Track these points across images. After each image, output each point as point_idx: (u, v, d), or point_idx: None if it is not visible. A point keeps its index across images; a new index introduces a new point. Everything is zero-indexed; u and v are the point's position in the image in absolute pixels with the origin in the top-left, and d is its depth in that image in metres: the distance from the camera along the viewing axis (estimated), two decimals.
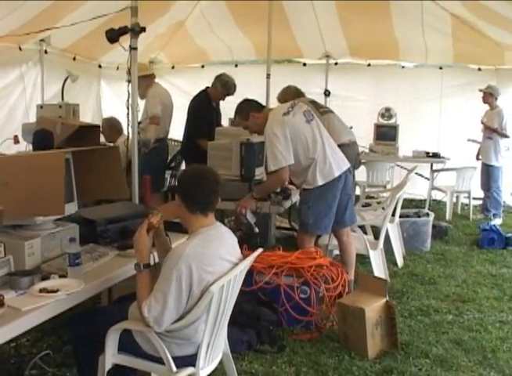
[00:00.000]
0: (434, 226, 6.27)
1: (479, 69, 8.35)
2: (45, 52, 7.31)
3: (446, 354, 3.78)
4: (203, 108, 6.09)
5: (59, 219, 3.12)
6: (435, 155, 7.96)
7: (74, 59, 7.86)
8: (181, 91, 8.67)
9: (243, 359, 3.60)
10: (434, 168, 8.10)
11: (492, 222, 6.80)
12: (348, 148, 5.15)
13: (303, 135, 4.21)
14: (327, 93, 8.77)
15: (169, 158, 6.72)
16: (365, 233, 5.13)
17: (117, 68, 8.78)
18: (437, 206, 8.18)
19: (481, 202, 8.05)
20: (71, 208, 3.10)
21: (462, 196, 8.13)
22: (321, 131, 4.32)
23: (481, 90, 7.49)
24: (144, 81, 5.71)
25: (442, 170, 7.90)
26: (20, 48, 6.95)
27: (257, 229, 4.35)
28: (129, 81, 5.89)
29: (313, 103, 5.42)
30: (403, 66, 8.76)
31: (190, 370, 2.60)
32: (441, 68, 8.56)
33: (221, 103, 6.43)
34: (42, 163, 2.83)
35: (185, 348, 2.64)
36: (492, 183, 7.50)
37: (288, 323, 3.99)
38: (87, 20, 5.23)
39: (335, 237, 4.60)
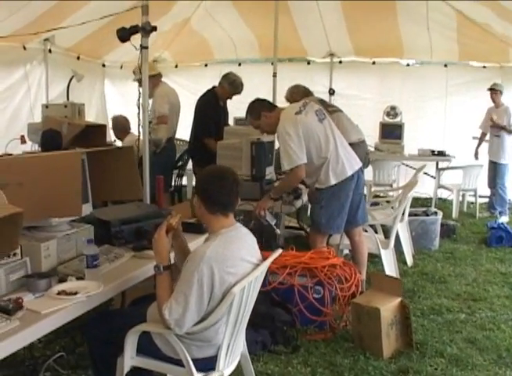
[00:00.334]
0: (441, 225, 6.24)
1: (484, 66, 8.32)
2: (49, 51, 7.27)
3: (461, 353, 3.77)
4: (211, 107, 6.05)
5: (73, 220, 3.10)
6: (441, 153, 7.94)
7: (78, 58, 7.82)
8: (185, 90, 8.62)
9: (258, 360, 3.58)
10: (440, 166, 8.07)
11: (500, 220, 6.78)
12: (357, 147, 5.11)
13: (315, 135, 4.19)
14: (332, 92, 8.74)
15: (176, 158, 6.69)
16: (376, 232, 5.11)
17: (121, 67, 8.76)
18: (442, 204, 8.16)
19: (486, 200, 8.04)
20: (86, 209, 3.07)
21: (467, 194, 8.11)
22: (333, 131, 4.30)
23: (491, 89, 7.45)
24: (151, 81, 5.64)
25: (449, 168, 7.88)
26: (25, 48, 6.91)
27: (278, 231, 4.34)
28: (139, 80, 5.91)
29: (321, 102, 5.39)
30: (408, 64, 8.74)
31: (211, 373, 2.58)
32: (445, 66, 8.52)
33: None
34: (58, 163, 2.80)
35: (205, 350, 2.61)
36: (498, 180, 7.50)
37: (302, 323, 3.97)
38: (95, 20, 5.19)
39: (347, 237, 4.59)
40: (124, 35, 3.83)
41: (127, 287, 2.85)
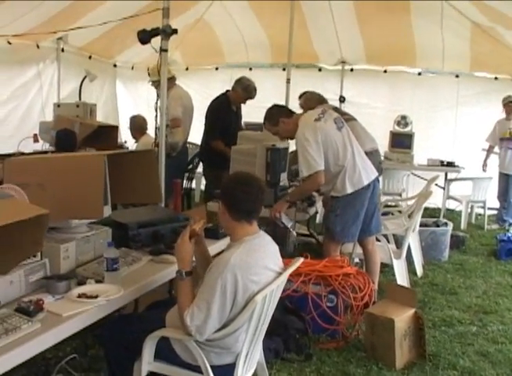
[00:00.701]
0: (451, 236, 6.22)
1: (496, 78, 8.30)
2: (62, 50, 7.27)
3: (473, 366, 3.75)
4: (221, 111, 6.04)
5: (91, 222, 3.09)
6: (450, 164, 7.92)
7: (90, 57, 7.81)
8: (196, 93, 8.61)
9: (270, 368, 3.54)
10: (449, 176, 8.04)
11: (510, 233, 6.76)
12: (371, 156, 5.07)
13: (334, 142, 4.18)
14: (342, 99, 8.73)
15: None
16: (388, 241, 5.09)
17: (132, 68, 8.76)
18: (450, 215, 8.13)
19: (494, 212, 8.02)
20: (106, 212, 3.04)
21: (476, 205, 8.09)
22: (351, 139, 4.29)
23: (509, 102, 7.44)
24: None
25: (458, 179, 7.85)
26: (38, 46, 6.92)
27: (295, 233, 4.32)
28: (154, 82, 5.91)
29: (336, 109, 5.37)
30: (419, 73, 8.71)
31: None
32: (457, 76, 8.50)
33: None
34: (81, 165, 2.78)
35: (224, 357, 2.60)
36: (511, 192, 7.47)
37: (314, 331, 3.94)
38: (113, 21, 5.17)
39: (360, 246, 4.57)
40: (144, 37, 3.82)
41: (145, 291, 2.83)
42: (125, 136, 7.00)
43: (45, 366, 3.32)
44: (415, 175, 8.30)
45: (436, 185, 8.08)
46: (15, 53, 6.63)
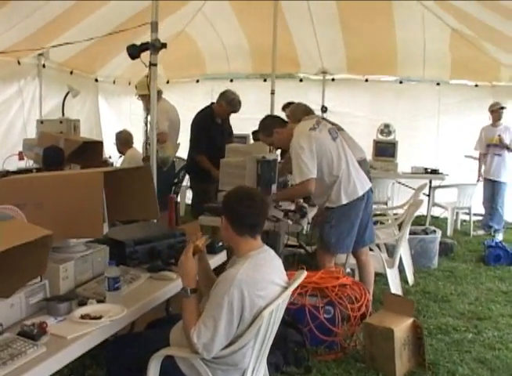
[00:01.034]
0: (440, 243, 6.26)
1: (476, 85, 8.43)
2: (43, 66, 7.18)
3: (472, 374, 3.77)
4: (204, 125, 6.01)
5: (88, 241, 3.03)
6: (434, 171, 7.98)
7: (71, 73, 7.74)
8: (177, 105, 8.57)
9: None
10: (433, 184, 8.10)
11: (497, 239, 6.83)
12: (360, 165, 5.11)
13: (328, 152, 4.19)
14: (324, 109, 8.76)
15: None
16: (380, 250, 5.09)
17: (114, 82, 8.71)
18: (435, 222, 8.19)
19: (479, 218, 8.10)
20: (103, 229, 3.01)
21: (461, 212, 8.16)
22: (345, 150, 4.30)
23: (502, 107, 7.52)
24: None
25: (444, 186, 7.91)
26: (19, 63, 6.83)
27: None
28: (141, 96, 5.88)
29: (324, 120, 5.38)
30: (401, 82, 8.80)
31: None
32: (438, 84, 8.61)
33: None
34: (78, 183, 2.73)
35: (231, 373, 2.56)
36: (498, 199, 7.56)
37: (312, 343, 3.92)
38: (99, 37, 5.12)
39: (353, 256, 4.57)
40: (133, 52, 3.80)
41: (147, 309, 2.78)
42: (109, 151, 6.93)
43: None
44: (400, 183, 8.36)
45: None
46: None
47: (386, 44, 7.96)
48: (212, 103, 6.13)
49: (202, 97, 8.88)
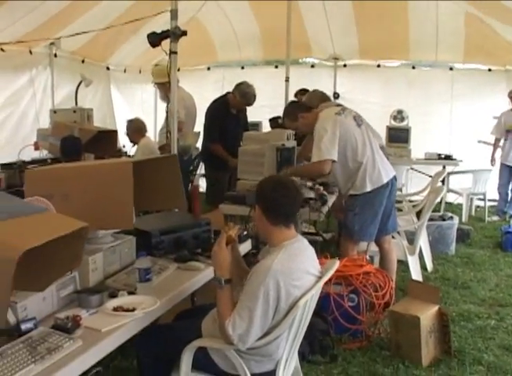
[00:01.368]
0: (456, 229, 6.21)
1: (489, 70, 8.33)
2: (55, 55, 7.13)
3: (498, 361, 3.73)
4: (218, 114, 5.97)
5: (115, 232, 3.00)
6: (448, 157, 7.92)
7: (83, 61, 7.68)
8: None
9: None
10: (448, 169, 8.02)
11: None
12: None
13: (353, 137, 4.16)
14: (336, 96, 8.69)
15: None
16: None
17: (125, 71, 8.65)
18: (449, 208, 8.14)
19: (493, 204, 8.04)
20: None
21: (475, 198, 8.10)
22: (370, 137, 4.26)
23: None
24: (166, 86, 5.60)
25: (459, 172, 7.84)
26: (31, 52, 6.78)
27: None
28: (157, 84, 5.82)
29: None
30: (413, 67, 8.70)
31: None
32: (451, 69, 8.53)
33: None
34: (108, 173, 2.70)
35: (265, 364, 2.54)
36: None
37: (336, 331, 3.90)
38: (122, 24, 5.06)
39: (376, 244, 4.54)
40: (154, 40, 3.75)
41: (178, 300, 2.76)
42: (123, 141, 6.89)
43: None
44: (414, 169, 8.30)
45: (430, 176, 8.10)
46: (8, 60, 6.49)
47: (398, 27, 7.88)
48: (228, 93, 6.06)
49: (213, 85, 8.84)
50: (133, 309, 2.39)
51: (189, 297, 3.71)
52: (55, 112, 6.29)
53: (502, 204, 7.80)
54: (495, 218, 7.77)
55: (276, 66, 8.89)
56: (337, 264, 2.67)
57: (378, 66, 8.74)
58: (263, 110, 7.73)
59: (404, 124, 8.21)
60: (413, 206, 5.80)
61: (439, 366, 3.65)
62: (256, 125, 7.85)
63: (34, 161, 5.49)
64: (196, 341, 2.55)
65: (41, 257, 2.13)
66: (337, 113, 4.21)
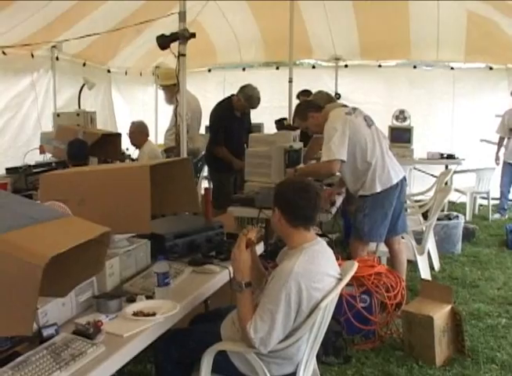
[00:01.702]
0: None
1: (490, 68, 8.33)
2: (57, 58, 7.11)
3: (511, 359, 3.73)
4: (222, 117, 5.96)
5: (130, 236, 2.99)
6: (450, 156, 7.92)
7: (84, 64, 7.66)
8: None
9: None
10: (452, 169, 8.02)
11: None
12: None
13: (363, 138, 4.15)
14: (338, 96, 8.66)
15: None
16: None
17: (126, 73, 8.63)
18: (452, 207, 8.14)
19: (495, 202, 8.04)
20: None
21: (478, 196, 8.11)
22: (380, 138, 4.26)
23: None
24: (174, 88, 5.58)
25: (462, 171, 7.84)
26: (32, 56, 6.76)
27: None
28: (164, 86, 5.80)
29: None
30: (415, 67, 8.70)
31: None
32: (452, 68, 8.53)
33: None
34: (124, 177, 2.69)
35: (285, 367, 2.54)
36: None
37: (348, 332, 3.89)
38: (130, 26, 5.04)
39: (386, 245, 4.53)
40: (164, 43, 3.73)
41: (196, 304, 2.76)
42: (125, 144, 6.87)
43: None
44: (416, 169, 8.29)
45: (437, 177, 8.11)
46: (9, 63, 6.47)
47: (399, 27, 7.86)
48: (232, 95, 6.05)
49: (214, 87, 8.83)
50: (153, 314, 2.38)
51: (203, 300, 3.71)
52: (58, 115, 6.28)
53: (504, 202, 7.79)
54: (497, 216, 7.77)
55: (277, 68, 8.89)
56: (355, 266, 2.66)
57: (379, 66, 8.74)
58: (264, 112, 7.71)
59: (406, 123, 8.20)
60: (420, 206, 5.78)
61: (453, 365, 3.66)
62: (258, 127, 7.84)
63: (39, 165, 5.47)
64: (217, 344, 2.54)
65: (62, 263, 2.11)
66: (347, 113, 4.21)
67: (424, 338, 3.66)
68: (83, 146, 4.74)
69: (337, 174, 4.61)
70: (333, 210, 4.62)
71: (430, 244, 5.38)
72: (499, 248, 6.32)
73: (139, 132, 5.89)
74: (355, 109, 4.35)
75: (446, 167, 8.00)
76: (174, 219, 3.54)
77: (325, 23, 8.00)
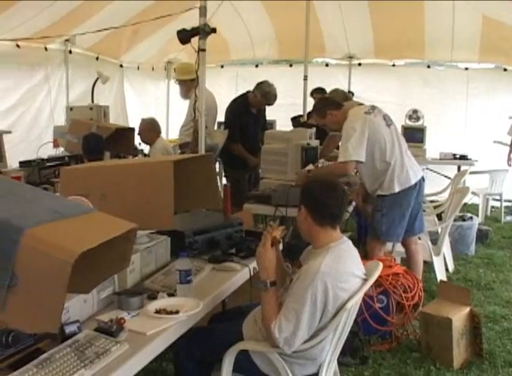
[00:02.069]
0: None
1: (505, 69, 8.26)
2: (70, 52, 7.08)
3: None
4: (238, 113, 5.94)
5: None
6: (463, 157, 7.86)
7: (97, 58, 7.63)
8: None
9: None
10: (462, 169, 7.96)
11: None
12: None
13: (382, 138, 4.10)
14: (351, 95, 8.61)
15: None
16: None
17: (138, 68, 8.60)
18: (464, 208, 8.08)
19: (508, 204, 7.98)
20: None
21: (491, 198, 8.05)
22: (399, 137, 4.22)
23: None
24: (187, 84, 5.56)
25: (476, 172, 7.77)
26: (46, 49, 6.74)
27: None
28: (180, 81, 5.76)
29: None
30: (429, 66, 8.64)
31: None
32: (466, 69, 8.46)
33: None
34: (147, 173, 2.66)
35: (308, 367, 2.51)
36: None
37: (365, 332, 3.86)
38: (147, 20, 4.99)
39: (402, 246, 4.49)
40: (184, 37, 3.69)
41: (218, 302, 2.73)
42: (138, 139, 6.85)
43: None
44: (429, 169, 8.22)
45: (449, 178, 8.05)
46: (23, 57, 6.45)
47: (414, 26, 7.78)
48: (248, 92, 6.01)
49: (227, 83, 8.79)
50: (176, 312, 2.34)
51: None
52: (71, 109, 6.25)
53: None
54: (509, 218, 7.71)
55: (291, 65, 8.85)
56: (380, 266, 2.62)
57: (393, 65, 8.68)
58: (277, 109, 7.65)
59: (419, 123, 8.13)
60: (434, 207, 5.73)
61: (471, 368, 3.62)
62: (270, 124, 7.79)
63: (52, 159, 5.45)
64: (239, 343, 2.51)
65: (86, 258, 2.08)
66: (366, 113, 4.16)
67: (442, 340, 3.63)
68: (98, 140, 4.71)
69: (352, 173, 4.60)
70: (350, 209, 4.59)
71: (445, 246, 5.33)
72: None
73: (149, 130, 5.82)
74: (374, 107, 4.30)
75: (459, 167, 7.96)
76: (192, 216, 3.50)
77: (340, 22, 7.94)
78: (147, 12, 6.44)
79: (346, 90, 8.50)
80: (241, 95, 6.09)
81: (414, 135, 8.00)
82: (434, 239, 5.16)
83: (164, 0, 6.06)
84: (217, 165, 6.90)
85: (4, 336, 1.91)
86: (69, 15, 6.25)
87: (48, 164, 5.27)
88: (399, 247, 4.62)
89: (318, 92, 7.00)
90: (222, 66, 9.27)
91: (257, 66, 9.03)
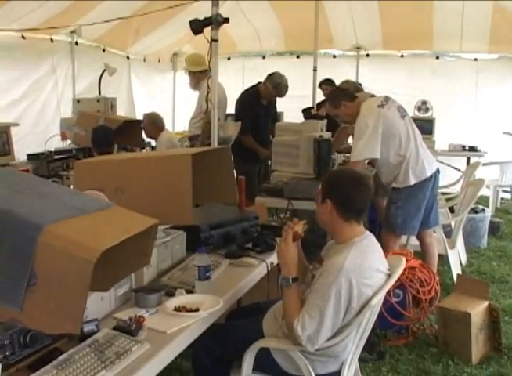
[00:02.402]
0: None
1: None
2: (76, 43, 7.00)
3: None
4: (248, 105, 5.85)
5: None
6: (472, 148, 7.78)
7: (104, 50, 7.54)
8: None
9: None
10: (471, 161, 7.88)
11: None
12: None
13: (396, 131, 4.03)
14: (359, 86, 8.52)
15: None
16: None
17: (144, 60, 8.52)
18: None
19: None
20: None
21: (501, 190, 7.97)
22: (414, 129, 4.14)
23: None
24: (197, 75, 5.49)
25: (486, 164, 7.67)
26: (52, 40, 6.65)
27: None
28: (190, 72, 5.68)
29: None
30: (437, 57, 8.54)
31: None
32: (475, 60, 8.36)
33: None
34: (165, 166, 2.59)
35: (330, 365, 2.45)
36: None
37: (381, 327, 3.80)
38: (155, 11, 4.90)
39: (417, 239, 4.43)
40: (197, 27, 3.62)
41: (237, 298, 2.67)
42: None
43: None
44: (438, 161, 8.12)
45: (458, 170, 7.98)
46: (29, 48, 6.36)
47: (422, 16, 7.65)
48: (259, 83, 5.93)
49: (233, 73, 8.69)
50: (196, 309, 2.28)
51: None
52: (78, 101, 6.18)
53: None
54: None
55: (298, 56, 8.75)
56: (403, 261, 2.56)
57: (401, 56, 8.57)
58: (284, 100, 7.58)
59: (428, 114, 8.05)
60: (447, 199, 5.66)
61: (489, 363, 3.57)
62: (278, 116, 7.71)
63: (60, 152, 5.39)
64: (260, 341, 2.46)
65: (106, 254, 2.02)
66: (379, 106, 4.08)
67: (461, 335, 3.57)
68: (108, 132, 4.64)
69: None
70: None
71: (458, 238, 5.27)
72: None
73: (151, 124, 5.72)
74: (387, 99, 4.22)
75: (468, 159, 7.89)
76: (206, 209, 3.43)
77: (347, 12, 7.82)
78: (155, 3, 6.34)
79: (354, 81, 8.45)
80: (252, 86, 6.00)
81: (423, 127, 7.80)
82: (447, 231, 5.08)
83: None
84: None
85: (22, 336, 1.86)
86: (75, 4, 6.14)
87: (56, 156, 5.21)
88: (413, 241, 4.55)
89: (327, 83, 6.91)
90: (229, 58, 9.17)
91: (263, 57, 8.93)
